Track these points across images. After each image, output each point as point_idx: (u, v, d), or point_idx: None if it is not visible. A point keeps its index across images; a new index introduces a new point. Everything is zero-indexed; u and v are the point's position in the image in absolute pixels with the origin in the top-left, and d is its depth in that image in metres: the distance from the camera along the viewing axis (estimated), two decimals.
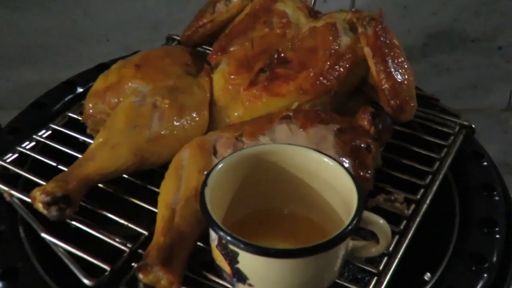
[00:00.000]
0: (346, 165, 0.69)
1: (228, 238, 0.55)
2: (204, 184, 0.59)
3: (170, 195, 0.66)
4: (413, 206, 0.73)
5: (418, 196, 0.74)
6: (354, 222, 0.56)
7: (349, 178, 0.60)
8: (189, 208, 0.65)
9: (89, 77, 0.96)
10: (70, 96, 0.93)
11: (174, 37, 1.01)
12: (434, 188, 0.75)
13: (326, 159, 0.62)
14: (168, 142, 0.72)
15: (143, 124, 0.72)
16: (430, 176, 0.77)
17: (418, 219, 0.71)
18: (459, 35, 1.54)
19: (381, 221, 0.59)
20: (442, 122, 0.87)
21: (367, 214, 0.58)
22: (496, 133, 1.64)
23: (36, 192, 0.66)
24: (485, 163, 0.82)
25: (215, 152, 0.69)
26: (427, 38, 1.55)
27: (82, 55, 1.51)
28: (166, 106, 0.73)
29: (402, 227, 0.70)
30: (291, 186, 0.65)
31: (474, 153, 0.84)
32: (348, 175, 0.60)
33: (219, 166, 0.61)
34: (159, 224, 0.64)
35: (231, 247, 0.55)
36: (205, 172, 0.67)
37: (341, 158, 0.69)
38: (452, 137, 0.84)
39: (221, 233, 0.55)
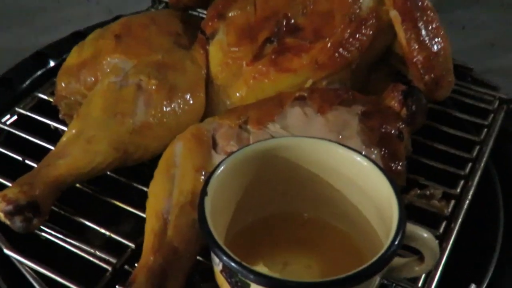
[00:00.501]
0: (374, 156, 0.57)
1: (237, 266, 0.43)
2: (204, 192, 0.47)
3: (161, 201, 0.54)
4: (452, 203, 0.61)
5: (458, 190, 0.62)
6: (397, 241, 0.44)
7: (385, 181, 0.48)
8: (184, 218, 0.52)
9: (63, 47, 0.82)
10: (41, 71, 0.79)
11: None
12: (476, 179, 0.63)
13: (356, 157, 0.50)
14: (156, 133, 0.59)
15: (126, 111, 0.59)
16: (469, 164, 0.65)
17: (460, 219, 0.59)
18: None
19: (426, 236, 0.47)
20: (478, 97, 0.75)
21: (408, 227, 0.46)
22: None
23: None
24: None
25: (214, 145, 0.57)
26: None
27: (60, 18, 1.37)
28: (153, 87, 0.60)
29: (441, 230, 0.58)
30: (310, 187, 0.53)
31: None
32: (385, 178, 0.48)
33: (221, 168, 0.49)
34: (149, 238, 0.52)
35: (240, 276, 0.43)
36: (203, 172, 0.55)
37: (368, 149, 0.57)
38: (492, 115, 0.71)
39: (227, 260, 0.43)
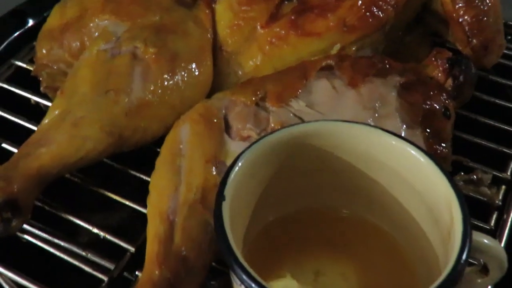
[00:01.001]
0: (416, 137, 0.48)
1: None
2: (221, 197, 0.38)
3: (165, 199, 0.45)
4: (503, 189, 0.52)
5: (509, 173, 0.53)
6: (463, 259, 0.35)
7: (445, 181, 0.39)
8: (194, 220, 0.44)
9: (43, 3, 0.71)
10: (18, 33, 0.68)
11: None
12: None
13: (409, 149, 0.41)
14: (157, 112, 0.50)
15: (119, 87, 0.49)
16: None
17: None
18: None
19: (492, 245, 0.39)
20: None
21: (474, 236, 0.38)
22: None
23: None
24: None
25: (227, 128, 0.48)
26: None
27: None
28: (152, 56, 0.51)
29: (492, 222, 0.50)
30: (346, 180, 0.45)
31: None
32: (445, 177, 0.39)
33: (239, 164, 0.40)
34: (152, 246, 0.43)
35: None
36: (215, 162, 0.45)
37: (409, 129, 0.48)
38: None
39: (254, 285, 0.34)
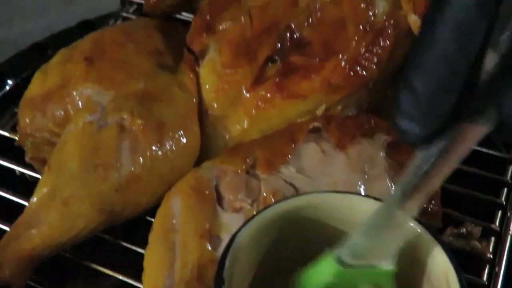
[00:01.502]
0: None
1: None
2: (220, 281, 0.38)
3: (160, 276, 0.44)
4: (493, 240, 0.53)
5: (497, 224, 0.54)
6: None
7: (441, 253, 0.39)
8: None
9: (21, 64, 0.71)
10: None
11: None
12: None
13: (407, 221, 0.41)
14: (147, 185, 0.50)
15: (108, 162, 0.49)
16: (505, 189, 0.57)
17: (504, 261, 0.51)
18: None
19: None
20: None
21: None
22: None
23: None
24: None
25: (219, 199, 0.48)
26: None
27: (14, 9, 1.24)
28: (140, 127, 0.50)
29: (485, 277, 0.50)
30: None
31: None
32: (441, 248, 0.39)
33: (235, 244, 0.40)
34: None
35: None
36: (209, 237, 0.45)
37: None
38: None
39: None
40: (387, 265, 0.39)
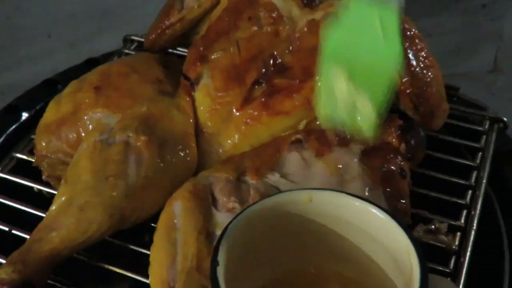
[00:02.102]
0: (378, 197, 0.55)
1: None
2: (215, 262, 0.44)
3: (165, 269, 0.51)
4: (458, 235, 0.60)
5: (462, 221, 0.61)
6: None
7: (403, 233, 0.46)
8: (193, 285, 0.50)
9: (34, 97, 0.79)
10: (14, 126, 0.75)
11: (133, 38, 0.84)
12: (478, 207, 0.62)
13: (371, 209, 0.48)
14: (151, 193, 0.56)
15: (117, 173, 0.56)
16: (470, 192, 0.64)
17: (468, 253, 0.58)
18: None
19: (444, 282, 0.46)
20: (466, 117, 0.74)
21: (431, 279, 0.45)
22: (483, 96, 1.54)
23: None
24: None
25: (214, 202, 0.55)
26: (407, 2, 1.40)
27: (21, 55, 1.32)
28: (144, 143, 0.57)
29: (451, 266, 0.57)
30: (322, 240, 0.51)
31: (510, 153, 0.70)
32: (402, 230, 0.46)
33: (228, 232, 0.46)
34: None
35: None
36: (206, 233, 0.52)
37: (371, 190, 0.56)
38: (485, 136, 0.70)
39: None
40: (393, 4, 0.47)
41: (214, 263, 0.44)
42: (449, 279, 0.55)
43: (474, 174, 0.66)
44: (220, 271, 0.44)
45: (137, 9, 1.23)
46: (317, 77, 0.50)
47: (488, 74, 1.58)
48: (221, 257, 0.45)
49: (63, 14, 1.31)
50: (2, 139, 0.73)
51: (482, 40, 1.52)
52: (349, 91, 0.48)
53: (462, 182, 0.65)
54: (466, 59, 1.54)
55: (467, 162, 0.67)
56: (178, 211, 0.54)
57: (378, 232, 0.48)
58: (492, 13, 1.48)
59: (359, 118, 0.48)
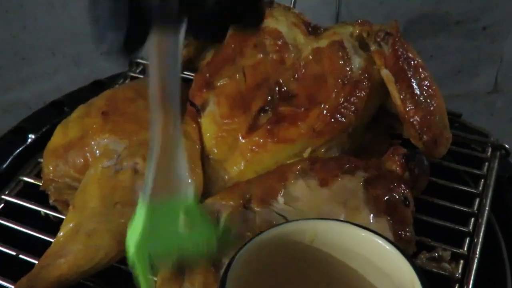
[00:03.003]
0: (383, 224, 0.56)
1: None
2: None
3: None
4: (461, 263, 0.60)
5: (465, 249, 0.61)
6: None
7: (407, 264, 0.47)
8: None
9: (41, 119, 0.79)
10: (20, 148, 0.75)
11: (139, 61, 0.85)
12: (481, 234, 0.63)
13: (376, 239, 0.49)
14: None
15: (125, 200, 0.56)
16: (472, 219, 0.64)
17: (471, 281, 0.58)
18: (442, 18, 1.42)
19: None
20: (468, 144, 0.74)
21: None
22: (483, 117, 1.56)
23: None
24: None
25: None
26: (408, 23, 1.42)
27: (26, 73, 1.33)
28: None
29: None
30: (327, 270, 0.52)
31: None
32: (407, 260, 0.47)
33: (235, 263, 0.47)
34: None
35: None
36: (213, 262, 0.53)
37: (375, 218, 0.56)
38: (487, 163, 0.71)
39: None
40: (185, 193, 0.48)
41: None
42: None
43: (477, 201, 0.66)
44: None
45: None
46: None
47: (488, 95, 1.60)
48: (229, 286, 0.45)
49: (67, 33, 1.32)
50: (8, 161, 0.74)
51: (483, 61, 1.54)
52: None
53: (465, 209, 0.65)
54: (466, 80, 1.56)
55: (470, 189, 0.68)
56: None
57: (383, 262, 0.49)
58: (492, 36, 1.50)
59: None
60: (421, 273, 0.46)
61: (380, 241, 0.48)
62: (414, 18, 1.43)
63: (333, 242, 0.51)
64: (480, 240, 0.62)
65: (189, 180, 0.50)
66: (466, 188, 0.68)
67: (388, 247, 0.48)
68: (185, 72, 0.79)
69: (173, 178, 0.47)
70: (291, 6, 0.75)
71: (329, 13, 1.21)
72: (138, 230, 0.48)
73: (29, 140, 0.77)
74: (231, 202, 0.57)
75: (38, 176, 0.68)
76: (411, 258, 0.47)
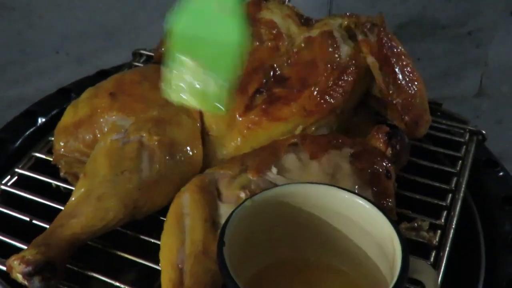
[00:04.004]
0: (367, 194, 0.61)
1: None
2: (221, 243, 0.50)
3: (174, 252, 0.57)
4: (439, 232, 0.66)
5: (443, 220, 0.67)
6: (404, 275, 0.48)
7: (386, 221, 0.52)
8: (200, 266, 0.56)
9: (50, 104, 0.84)
10: (31, 129, 0.81)
11: (142, 52, 0.90)
12: (457, 208, 0.68)
13: (358, 200, 0.54)
14: (162, 186, 0.62)
15: (132, 168, 0.62)
16: (450, 195, 0.70)
17: (447, 248, 0.64)
18: (429, 22, 1.48)
19: (427, 268, 0.52)
20: (449, 130, 0.80)
21: (411, 261, 0.50)
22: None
23: (14, 261, 0.56)
24: (502, 173, 0.76)
25: (219, 195, 0.60)
26: (397, 27, 1.48)
27: (30, 69, 1.38)
28: (156, 143, 0.64)
29: (432, 259, 0.63)
30: (315, 231, 0.57)
31: (488, 163, 0.77)
32: (386, 217, 0.52)
33: (233, 218, 0.52)
34: None
35: None
36: (212, 221, 0.58)
37: (360, 189, 0.62)
38: (465, 147, 0.76)
39: None
40: None
41: (221, 243, 0.50)
42: (428, 263, 0.61)
43: (454, 179, 0.72)
44: (226, 250, 0.50)
45: (143, 28, 1.29)
46: (166, 63, 0.51)
47: (474, 98, 1.65)
48: (227, 238, 0.51)
49: (71, 31, 1.37)
50: (20, 140, 0.79)
51: (468, 65, 1.59)
52: (197, 73, 0.51)
53: (444, 186, 0.71)
54: (452, 83, 1.61)
55: (448, 169, 0.73)
56: (186, 202, 0.59)
57: (366, 222, 0.54)
58: (477, 40, 1.55)
59: (210, 97, 0.52)
60: (399, 229, 0.51)
61: (362, 202, 0.54)
62: (403, 22, 1.49)
63: (321, 205, 0.56)
64: (457, 213, 0.68)
65: None
66: (445, 168, 0.74)
67: (368, 206, 0.53)
68: None
69: None
70: (286, 1, 0.81)
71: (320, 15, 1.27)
72: (182, 4, 0.49)
73: (39, 122, 0.82)
74: (229, 172, 0.62)
75: (49, 152, 0.73)
76: (389, 216, 0.53)
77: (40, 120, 0.82)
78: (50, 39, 1.36)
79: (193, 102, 0.52)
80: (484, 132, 0.79)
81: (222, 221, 0.58)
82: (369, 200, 0.53)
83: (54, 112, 0.83)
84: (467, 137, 0.78)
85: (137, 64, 0.88)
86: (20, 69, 1.38)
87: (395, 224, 0.52)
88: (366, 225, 0.54)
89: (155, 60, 0.81)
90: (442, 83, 1.61)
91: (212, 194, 0.60)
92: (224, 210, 0.59)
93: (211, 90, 0.52)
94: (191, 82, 0.51)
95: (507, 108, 1.63)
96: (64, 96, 0.86)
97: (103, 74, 0.88)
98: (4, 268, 0.58)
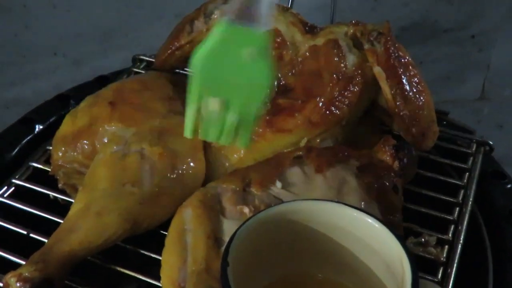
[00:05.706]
0: (373, 210, 0.60)
1: None
2: (225, 263, 0.49)
3: (175, 270, 0.55)
4: (446, 248, 0.64)
5: (450, 235, 0.65)
6: None
7: (395, 240, 0.50)
8: (201, 285, 0.54)
9: (48, 111, 0.83)
10: (29, 137, 0.79)
11: (142, 57, 0.88)
12: (465, 223, 0.67)
13: (367, 218, 0.52)
14: (164, 201, 0.61)
15: (133, 181, 0.60)
16: (457, 209, 0.68)
17: (455, 264, 0.62)
18: (432, 26, 1.46)
19: (433, 285, 0.50)
20: (455, 140, 0.79)
21: (420, 282, 0.49)
22: (471, 123, 1.60)
23: (10, 279, 0.54)
24: (509, 185, 0.74)
25: (222, 210, 0.59)
26: (400, 31, 1.46)
27: (27, 71, 1.36)
28: (157, 155, 0.62)
29: (439, 276, 0.62)
30: (322, 247, 0.55)
31: (495, 174, 0.75)
32: (394, 237, 0.51)
33: (237, 237, 0.51)
34: None
35: None
36: (215, 238, 0.56)
37: (366, 204, 0.60)
38: (472, 158, 0.75)
39: None
40: (262, 28, 0.49)
41: (224, 263, 0.49)
42: (436, 280, 0.60)
43: (462, 192, 0.70)
44: (230, 271, 0.48)
45: (141, 30, 1.28)
46: (189, 102, 0.51)
47: (476, 102, 1.64)
48: (231, 258, 0.49)
49: (69, 33, 1.35)
50: (17, 149, 0.77)
51: (471, 69, 1.58)
52: (221, 113, 0.51)
53: (450, 199, 0.69)
54: (455, 87, 1.60)
55: (455, 181, 0.72)
56: (188, 217, 0.58)
57: (374, 241, 0.53)
58: (480, 44, 1.54)
59: (234, 134, 0.52)
60: (409, 249, 0.50)
61: (371, 221, 0.52)
62: (405, 25, 1.47)
63: (328, 222, 0.54)
64: (464, 227, 0.66)
65: (268, 23, 0.50)
66: (451, 180, 0.72)
67: (377, 225, 0.52)
68: (186, 69, 0.83)
69: (257, 9, 0.48)
70: (289, 6, 0.79)
71: (323, 20, 1.25)
72: (208, 44, 0.49)
73: (36, 130, 0.81)
74: (232, 186, 0.60)
75: (46, 162, 0.71)
76: (399, 236, 0.51)
77: (38, 127, 0.81)
78: (47, 40, 1.35)
79: (215, 139, 0.53)
80: (491, 142, 0.77)
81: (225, 237, 0.57)
82: (378, 219, 0.52)
83: (52, 119, 0.81)
84: (474, 148, 0.76)
85: (137, 70, 0.86)
86: (17, 71, 1.37)
87: (405, 244, 0.50)
88: (374, 243, 0.53)
89: (155, 66, 0.79)
90: (444, 86, 1.59)
91: (215, 209, 0.58)
92: (227, 226, 0.57)
93: (235, 129, 0.52)
94: (214, 121, 0.52)
95: (509, 112, 1.62)
96: (63, 102, 0.84)
97: (102, 80, 0.87)
98: (1, 285, 0.56)
